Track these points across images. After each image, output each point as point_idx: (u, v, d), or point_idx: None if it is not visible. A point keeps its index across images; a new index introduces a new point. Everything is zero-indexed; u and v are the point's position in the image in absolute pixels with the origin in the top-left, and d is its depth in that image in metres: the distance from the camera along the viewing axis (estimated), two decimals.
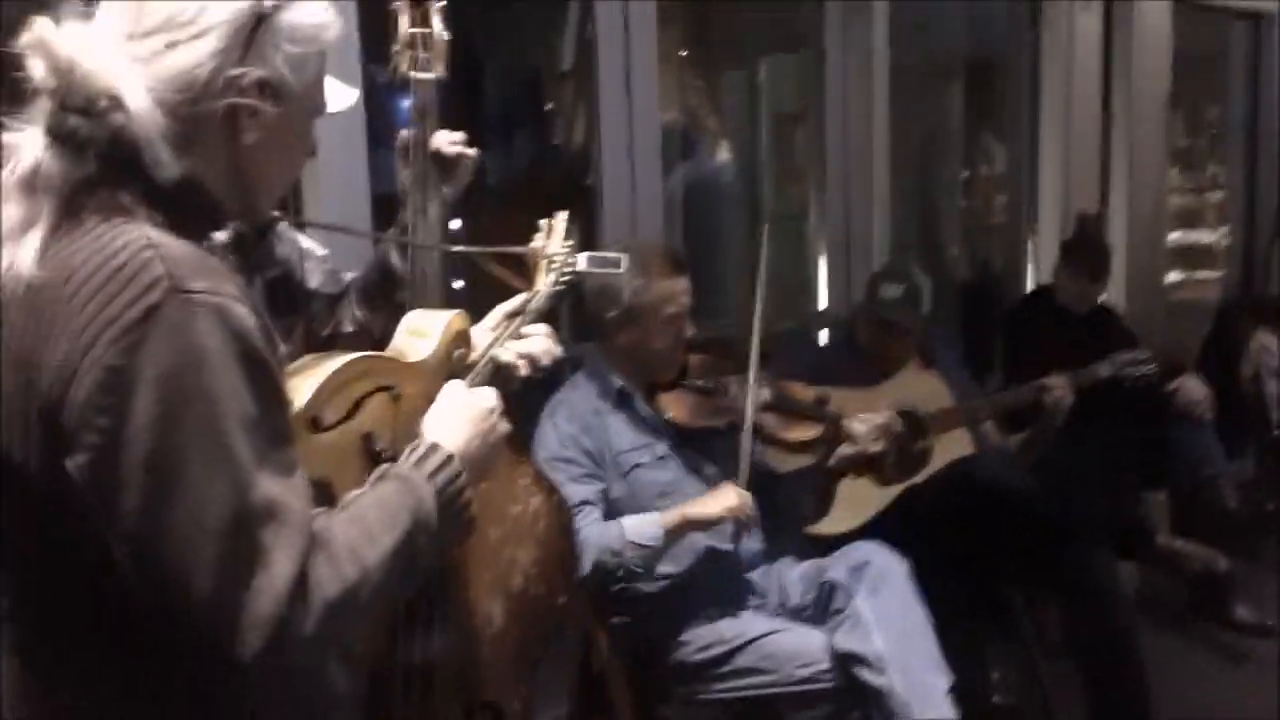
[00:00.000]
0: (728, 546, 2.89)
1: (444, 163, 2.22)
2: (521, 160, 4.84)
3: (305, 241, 2.39)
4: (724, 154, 5.38)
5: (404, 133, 2.23)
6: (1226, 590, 4.09)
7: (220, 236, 1.35)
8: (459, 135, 2.23)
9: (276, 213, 2.35)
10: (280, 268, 2.28)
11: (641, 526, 2.78)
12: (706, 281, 5.05)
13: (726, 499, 2.78)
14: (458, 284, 3.38)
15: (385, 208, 3.15)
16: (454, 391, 1.60)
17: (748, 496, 2.79)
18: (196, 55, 1.27)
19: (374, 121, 3.07)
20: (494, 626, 2.25)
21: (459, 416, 1.54)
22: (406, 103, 2.24)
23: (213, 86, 1.28)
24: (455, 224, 4.14)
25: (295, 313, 2.34)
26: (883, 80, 4.50)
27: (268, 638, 1.15)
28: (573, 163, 4.47)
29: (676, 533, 2.79)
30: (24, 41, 1.24)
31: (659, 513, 2.81)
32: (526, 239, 2.20)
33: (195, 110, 1.28)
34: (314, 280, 2.36)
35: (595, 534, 2.71)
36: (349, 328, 2.34)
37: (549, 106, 4.82)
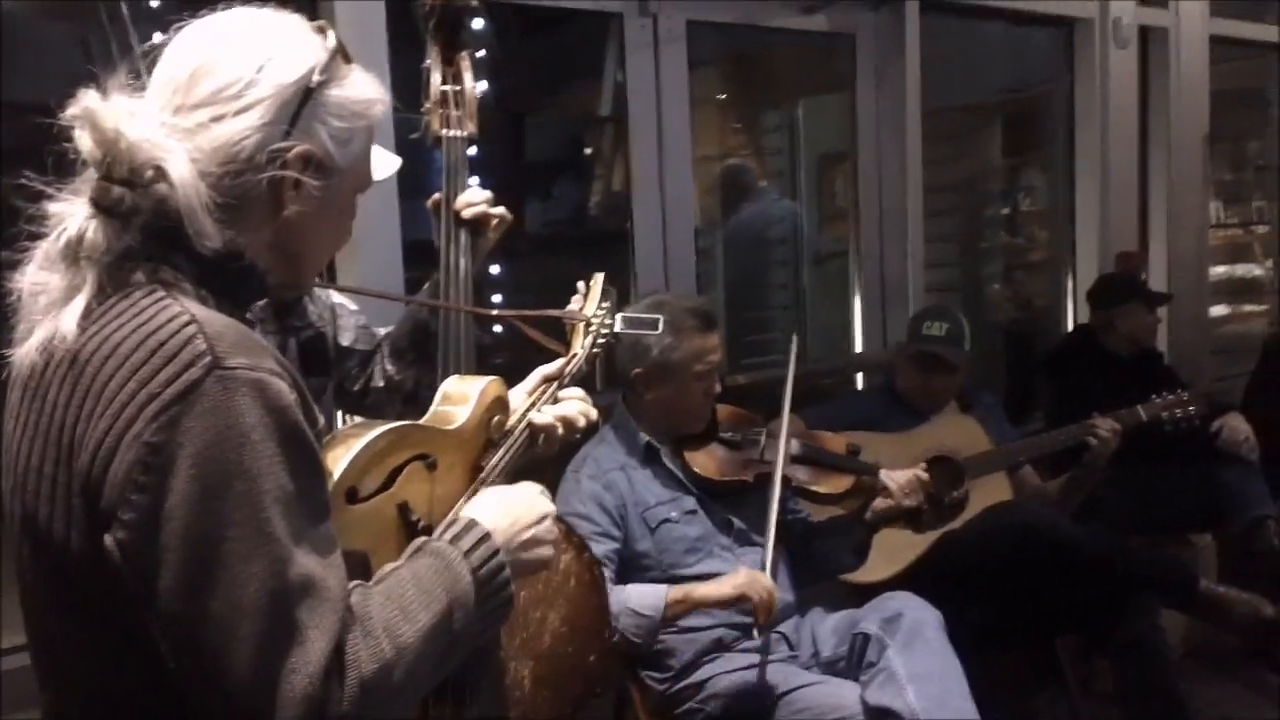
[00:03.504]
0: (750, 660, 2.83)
1: (470, 222, 2.23)
2: (563, 205, 4.87)
3: (337, 298, 2.39)
4: (766, 195, 5.36)
5: (436, 195, 2.24)
6: (1276, 634, 4.00)
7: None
8: (481, 195, 2.23)
9: None
10: (314, 328, 2.28)
11: (645, 593, 2.77)
12: (748, 324, 5.07)
13: (736, 579, 2.75)
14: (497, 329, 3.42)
15: (417, 254, 3.17)
16: (497, 488, 1.58)
17: (763, 578, 2.74)
18: (241, 128, 1.28)
19: (406, 170, 3.09)
20: (522, 690, 2.23)
21: (498, 500, 1.52)
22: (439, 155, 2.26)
23: (256, 159, 1.29)
24: (494, 269, 4.18)
25: (328, 373, 2.34)
26: (915, 122, 4.49)
27: (300, 716, 1.14)
28: (612, 208, 4.49)
29: (678, 608, 2.77)
30: (70, 113, 1.25)
31: (667, 586, 2.79)
32: (567, 283, 2.21)
33: (238, 182, 1.29)
34: (347, 338, 2.36)
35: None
36: (380, 382, 2.34)
37: (588, 151, 4.84)
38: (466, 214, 2.21)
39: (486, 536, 1.41)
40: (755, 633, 2.75)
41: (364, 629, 1.21)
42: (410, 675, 1.25)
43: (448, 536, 1.40)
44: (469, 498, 1.57)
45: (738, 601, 2.75)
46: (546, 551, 1.54)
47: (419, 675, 1.28)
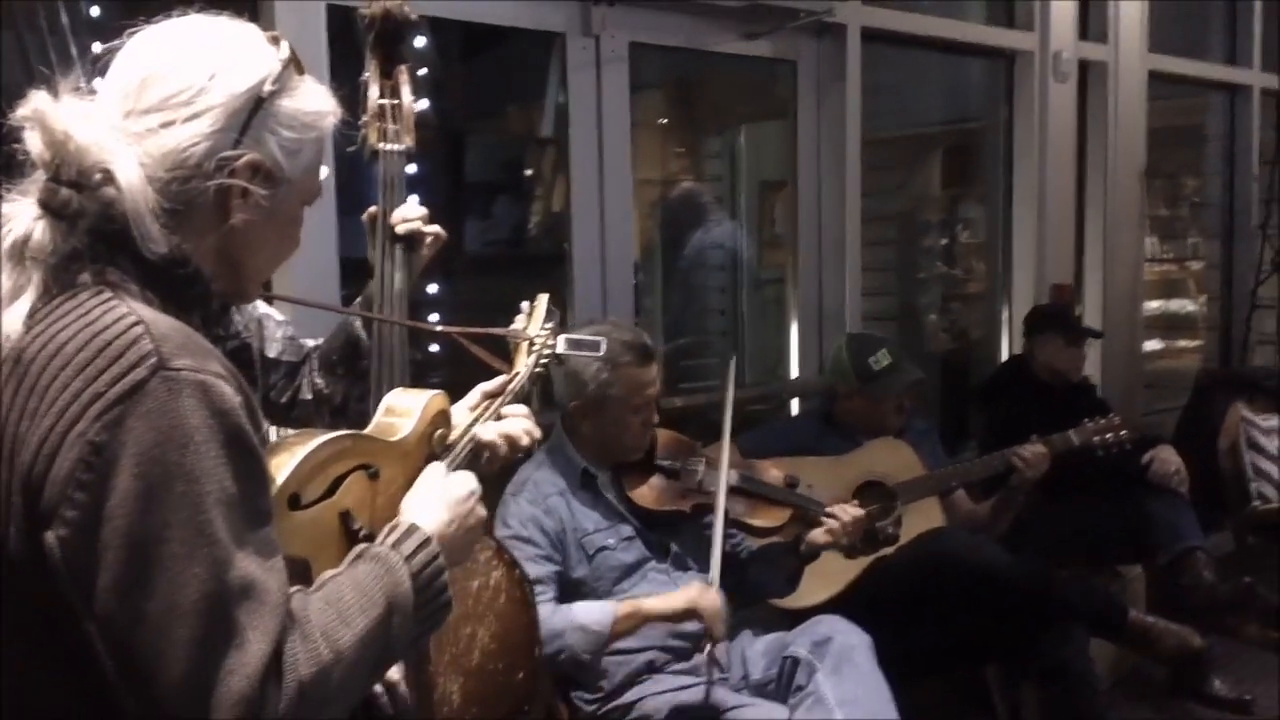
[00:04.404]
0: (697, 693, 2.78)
1: (405, 238, 2.21)
2: (502, 225, 4.86)
3: (264, 308, 2.36)
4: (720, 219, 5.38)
5: (372, 208, 2.22)
6: (1204, 666, 4.04)
7: None
8: (416, 211, 2.21)
9: None
10: (239, 339, 2.24)
11: (593, 610, 2.76)
12: (686, 348, 5.08)
13: (687, 592, 2.74)
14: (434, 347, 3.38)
15: (354, 270, 3.14)
16: (435, 474, 1.60)
17: (711, 592, 2.72)
18: (190, 135, 1.30)
19: (343, 185, 3.06)
20: (451, 705, 2.21)
21: (439, 499, 1.54)
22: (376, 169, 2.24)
23: (204, 166, 1.31)
24: (431, 288, 4.16)
25: (254, 384, 2.30)
26: (855, 150, 4.52)
27: (238, 718, 1.14)
28: (551, 229, 4.49)
29: (628, 623, 2.76)
30: (20, 114, 1.27)
31: (613, 601, 2.78)
32: (505, 303, 2.20)
33: (186, 189, 1.30)
34: (273, 349, 2.31)
35: (544, 615, 2.63)
36: (308, 395, 2.30)
37: (528, 173, 4.84)
38: (401, 229, 2.19)
39: (428, 541, 1.43)
40: (707, 648, 2.72)
41: (302, 633, 1.22)
42: (347, 678, 1.26)
43: (389, 541, 1.41)
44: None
45: (687, 616, 2.75)
46: (473, 543, 1.59)
47: (356, 678, 1.29)
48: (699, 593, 2.73)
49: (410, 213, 2.20)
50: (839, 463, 3.67)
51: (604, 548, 2.91)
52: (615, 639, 2.77)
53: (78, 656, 1.18)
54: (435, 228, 2.24)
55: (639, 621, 2.77)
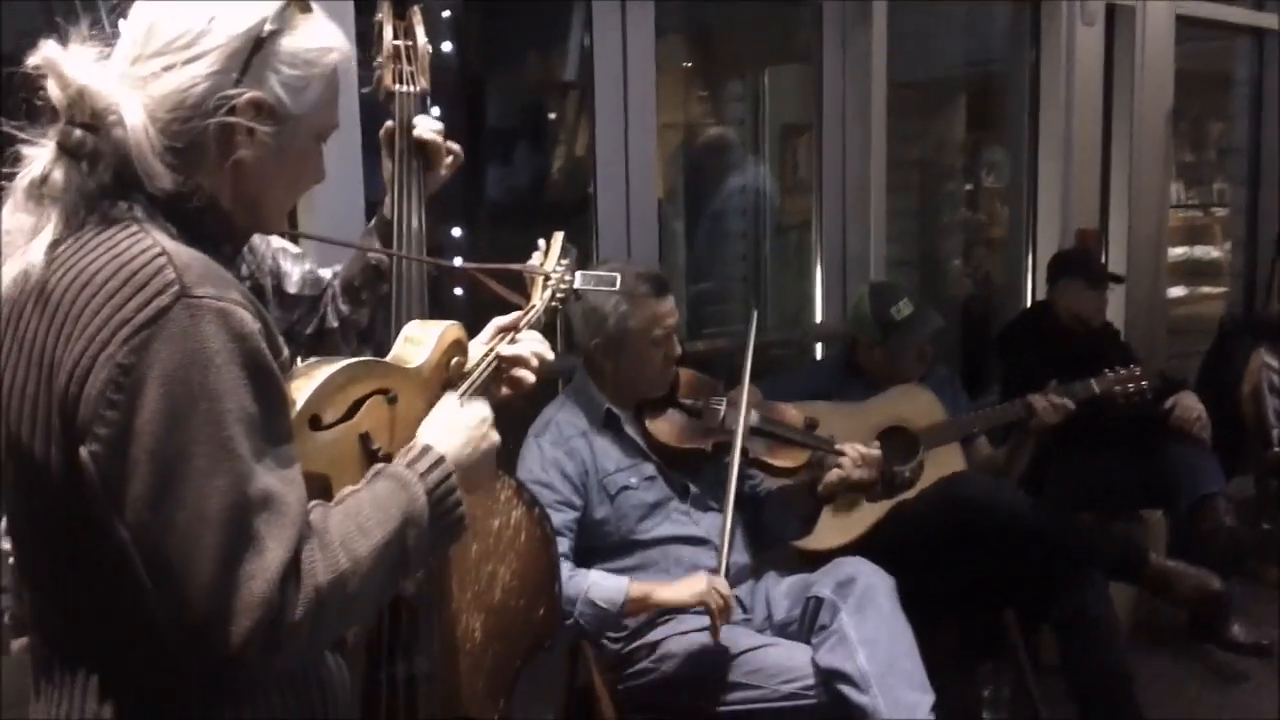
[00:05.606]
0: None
1: (425, 149, 2.19)
2: (524, 172, 4.85)
3: (278, 243, 2.35)
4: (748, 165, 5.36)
5: (389, 123, 2.21)
6: (1223, 610, 4.06)
7: None
8: (436, 125, 2.20)
9: None
10: (252, 279, 2.24)
11: (605, 587, 2.76)
12: (709, 293, 5.08)
13: (696, 585, 2.73)
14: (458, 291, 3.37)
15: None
16: (449, 403, 1.66)
17: (721, 584, 2.71)
18: (190, 76, 1.36)
19: (369, 127, 3.06)
20: (473, 641, 2.25)
21: (452, 424, 1.61)
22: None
23: (205, 106, 1.37)
24: (456, 231, 4.15)
25: None
26: (880, 94, 4.49)
27: (258, 620, 1.21)
28: (574, 174, 4.48)
29: (636, 606, 2.76)
30: (32, 61, 1.34)
31: (629, 580, 2.78)
32: (527, 250, 2.21)
33: (187, 128, 1.37)
34: (292, 286, 2.31)
35: (561, 577, 2.58)
36: (334, 323, 2.31)
37: (551, 117, 4.82)
38: (419, 133, 2.18)
39: (441, 460, 1.51)
40: (711, 637, 2.73)
41: (321, 542, 1.30)
42: (364, 587, 1.34)
43: (405, 461, 1.49)
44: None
45: (696, 605, 2.74)
46: (489, 469, 1.66)
47: (372, 587, 1.36)
48: (708, 587, 2.71)
49: (433, 124, 2.20)
50: (861, 408, 3.68)
51: (626, 487, 2.93)
52: (623, 619, 2.79)
53: (111, 565, 1.26)
54: (455, 146, 2.24)
55: (649, 606, 2.78)
